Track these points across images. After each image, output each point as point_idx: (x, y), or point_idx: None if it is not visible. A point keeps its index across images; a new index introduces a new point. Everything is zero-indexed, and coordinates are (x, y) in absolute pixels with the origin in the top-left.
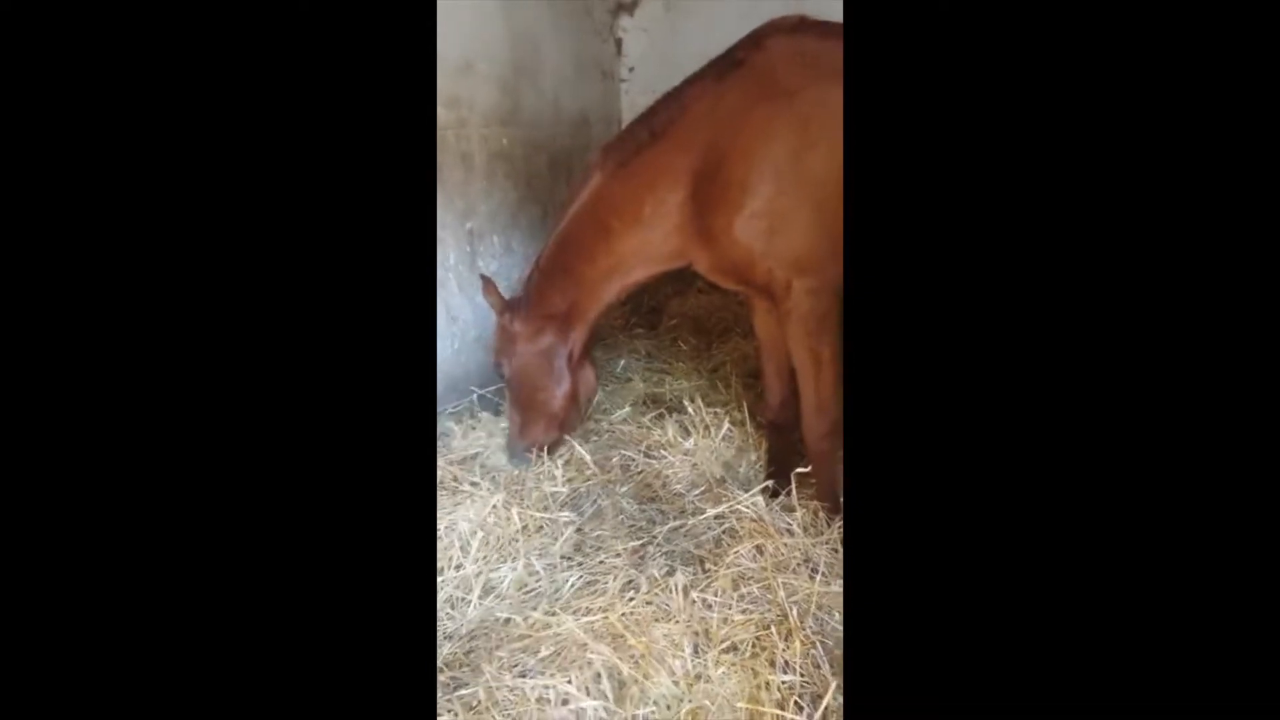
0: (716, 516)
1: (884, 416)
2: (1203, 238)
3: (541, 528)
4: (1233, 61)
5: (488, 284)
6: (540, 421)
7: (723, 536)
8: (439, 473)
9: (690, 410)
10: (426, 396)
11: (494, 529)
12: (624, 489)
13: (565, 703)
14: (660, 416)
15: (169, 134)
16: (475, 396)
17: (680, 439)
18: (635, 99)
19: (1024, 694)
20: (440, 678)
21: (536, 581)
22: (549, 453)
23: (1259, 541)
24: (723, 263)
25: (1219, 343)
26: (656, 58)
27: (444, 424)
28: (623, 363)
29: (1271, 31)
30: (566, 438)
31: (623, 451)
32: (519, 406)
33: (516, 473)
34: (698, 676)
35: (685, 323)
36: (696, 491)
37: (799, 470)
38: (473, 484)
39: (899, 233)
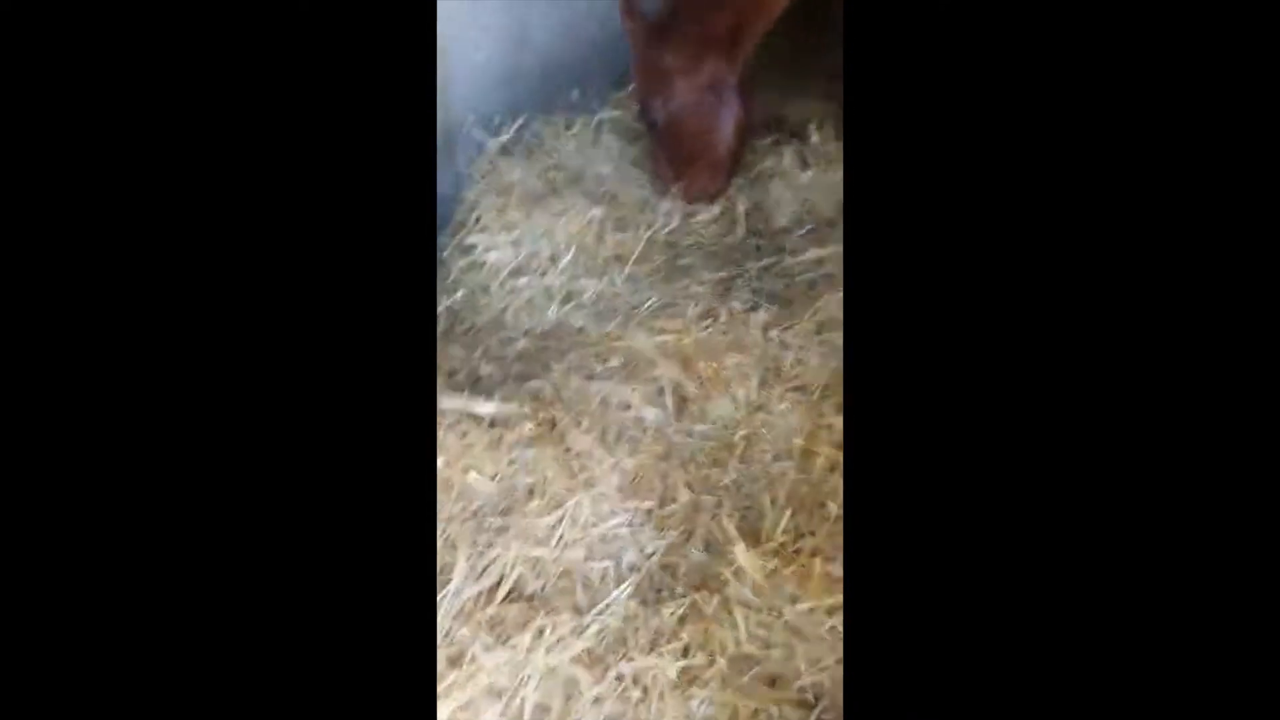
0: (816, 260)
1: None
2: (1189, 238)
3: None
4: (1231, 61)
5: (627, 2)
6: (707, 170)
7: (818, 280)
8: (533, 181)
9: (816, 138)
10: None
11: (588, 247)
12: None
13: (627, 409)
14: (777, 143)
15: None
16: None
17: (797, 169)
18: None
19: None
20: (512, 369)
21: (615, 297)
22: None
23: (1262, 554)
24: None
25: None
26: None
27: (536, 126)
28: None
29: (1270, 31)
30: None
31: (737, 180)
32: (681, 156)
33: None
34: (759, 407)
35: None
36: (803, 230)
37: None
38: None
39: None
